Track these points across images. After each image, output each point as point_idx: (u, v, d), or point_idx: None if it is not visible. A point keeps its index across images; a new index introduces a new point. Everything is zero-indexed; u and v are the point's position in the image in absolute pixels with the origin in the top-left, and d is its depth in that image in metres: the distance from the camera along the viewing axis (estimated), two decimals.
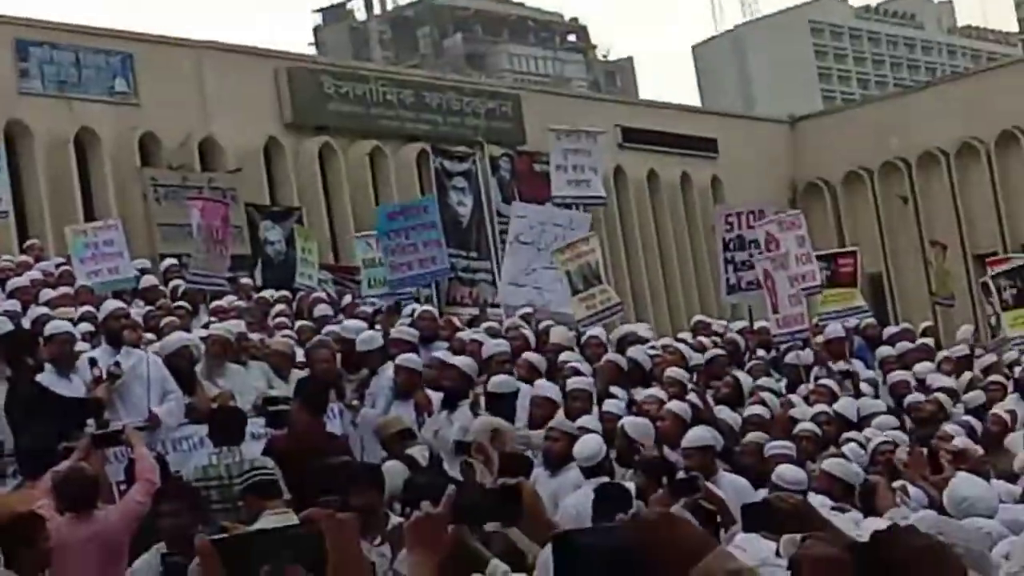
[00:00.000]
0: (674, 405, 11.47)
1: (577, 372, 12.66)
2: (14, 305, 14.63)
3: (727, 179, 41.56)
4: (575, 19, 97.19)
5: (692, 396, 12.21)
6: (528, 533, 3.62)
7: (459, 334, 14.90)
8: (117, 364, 11.37)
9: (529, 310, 16.13)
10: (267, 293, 18.74)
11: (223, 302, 16.09)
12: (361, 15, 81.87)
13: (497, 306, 17.74)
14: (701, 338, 16.41)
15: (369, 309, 16.71)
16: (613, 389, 12.49)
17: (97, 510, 8.68)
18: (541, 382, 12.15)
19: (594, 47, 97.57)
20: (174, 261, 19.46)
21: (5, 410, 10.37)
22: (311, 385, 11.11)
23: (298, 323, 15.56)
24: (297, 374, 12.35)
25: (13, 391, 10.49)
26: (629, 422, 10.95)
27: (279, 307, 16.65)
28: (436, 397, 11.82)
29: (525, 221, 16.61)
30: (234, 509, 9.12)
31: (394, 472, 9.06)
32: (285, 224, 29.13)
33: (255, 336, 13.70)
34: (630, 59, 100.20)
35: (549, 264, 15.74)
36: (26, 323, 13.46)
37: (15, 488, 9.46)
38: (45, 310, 14.42)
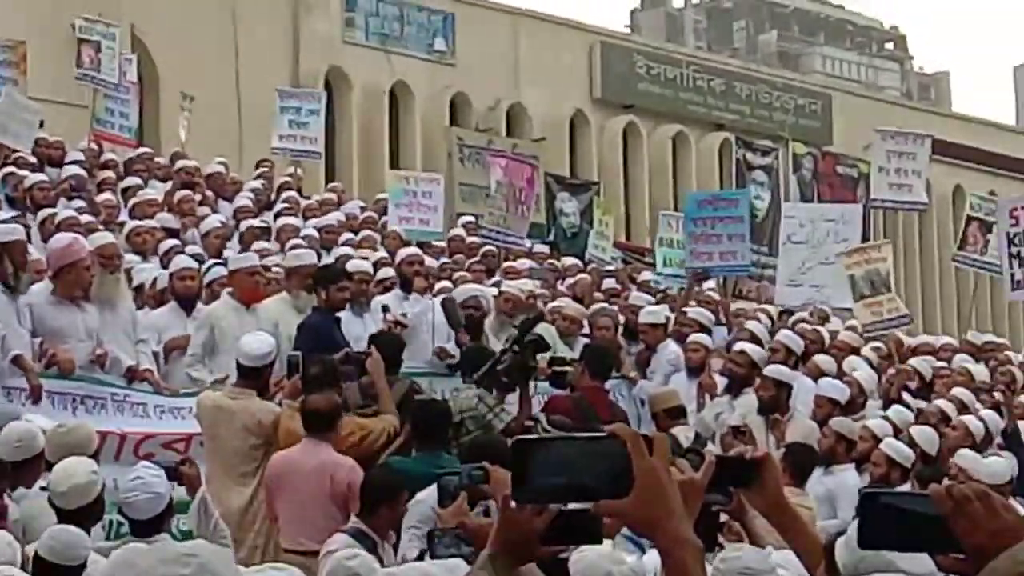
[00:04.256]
0: (967, 419, 11.28)
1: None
2: (315, 240, 15.05)
3: None
4: (895, 27, 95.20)
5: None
6: (761, 507, 3.55)
7: (747, 324, 14.80)
8: (404, 315, 11.70)
9: (811, 309, 16.04)
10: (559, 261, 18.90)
11: (516, 264, 16.28)
12: (679, 2, 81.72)
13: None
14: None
15: (661, 286, 16.71)
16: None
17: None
18: (826, 381, 12.01)
19: (911, 58, 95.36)
20: (471, 219, 19.77)
21: (299, 332, 10.62)
22: (597, 351, 11.20)
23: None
24: (583, 341, 12.48)
25: (312, 321, 10.79)
26: (916, 431, 10.79)
27: (580, 276, 16.74)
28: (721, 382, 11.82)
29: (795, 221, 16.56)
30: None
31: None
32: (582, 197, 29.37)
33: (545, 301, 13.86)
34: (946, 73, 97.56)
35: (824, 260, 15.63)
36: (328, 260, 13.85)
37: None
38: (348, 250, 14.84)
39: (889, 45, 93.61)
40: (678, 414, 10.85)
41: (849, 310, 15.36)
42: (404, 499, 7.64)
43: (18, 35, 19.47)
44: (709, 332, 13.08)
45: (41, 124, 17.04)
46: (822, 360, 12.88)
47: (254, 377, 9.28)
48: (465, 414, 9.58)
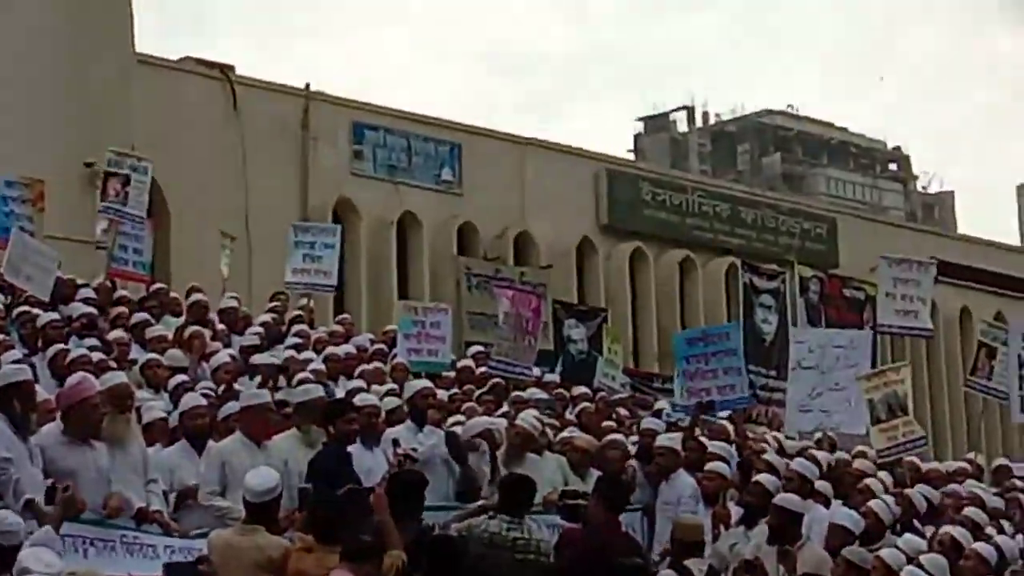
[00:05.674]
0: (979, 546, 11.19)
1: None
2: (323, 374, 15.10)
3: None
4: (898, 148, 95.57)
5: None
6: None
7: (763, 456, 14.74)
8: (415, 449, 11.70)
9: (819, 435, 15.99)
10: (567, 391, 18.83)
11: (524, 394, 16.26)
12: (683, 126, 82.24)
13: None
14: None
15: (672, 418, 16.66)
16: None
17: None
18: (837, 508, 11.96)
19: (915, 178, 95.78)
20: (480, 348, 19.78)
21: (311, 469, 10.67)
22: (611, 483, 11.15)
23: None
24: (594, 473, 12.43)
25: (322, 456, 10.81)
26: (928, 559, 10.71)
27: (584, 405, 16.72)
28: (736, 512, 11.77)
29: (804, 346, 16.56)
30: None
31: None
32: (590, 324, 29.31)
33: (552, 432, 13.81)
34: (951, 193, 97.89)
35: (834, 386, 15.62)
36: (339, 393, 13.89)
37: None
38: (359, 383, 14.87)
39: (892, 166, 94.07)
40: (697, 549, 10.78)
41: (863, 436, 15.32)
42: None
43: (32, 173, 19.58)
44: (727, 462, 13.03)
45: (59, 266, 17.08)
46: (822, 486, 12.83)
47: (261, 512, 9.28)
48: (542, 556, 9.79)
